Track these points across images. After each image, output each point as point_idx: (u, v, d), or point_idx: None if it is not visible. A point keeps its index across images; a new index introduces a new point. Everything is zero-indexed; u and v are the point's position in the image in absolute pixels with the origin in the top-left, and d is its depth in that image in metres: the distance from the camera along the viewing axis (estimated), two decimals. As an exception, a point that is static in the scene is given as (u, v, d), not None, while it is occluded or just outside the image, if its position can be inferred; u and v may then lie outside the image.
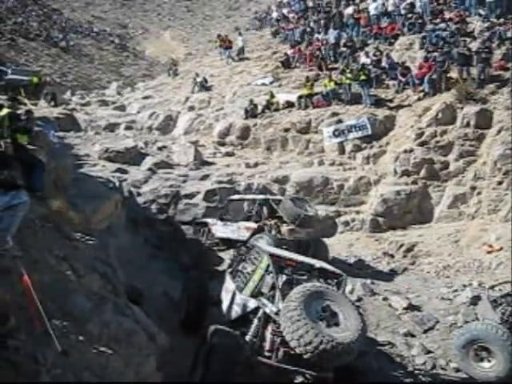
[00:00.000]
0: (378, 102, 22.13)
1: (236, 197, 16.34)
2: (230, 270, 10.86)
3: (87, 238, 9.49)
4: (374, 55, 24.34)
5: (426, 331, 12.72)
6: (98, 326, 6.11)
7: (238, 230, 15.07)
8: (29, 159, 9.08)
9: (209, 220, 16.15)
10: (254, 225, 14.87)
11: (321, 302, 7.98)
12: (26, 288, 5.27)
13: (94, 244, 9.46)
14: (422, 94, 21.46)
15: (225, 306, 9.95)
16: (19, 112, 11.25)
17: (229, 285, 10.25)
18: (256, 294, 9.09)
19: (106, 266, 8.67)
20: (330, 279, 9.49)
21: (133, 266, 13.09)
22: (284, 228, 14.63)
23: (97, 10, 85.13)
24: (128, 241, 14.28)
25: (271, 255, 9.12)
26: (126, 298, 8.27)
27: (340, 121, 21.70)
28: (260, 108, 23.86)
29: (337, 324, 7.91)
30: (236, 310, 9.40)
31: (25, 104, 19.31)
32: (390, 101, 22.18)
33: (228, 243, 15.28)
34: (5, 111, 9.51)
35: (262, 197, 15.43)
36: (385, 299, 14.19)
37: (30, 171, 9.00)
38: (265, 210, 15.17)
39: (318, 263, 9.56)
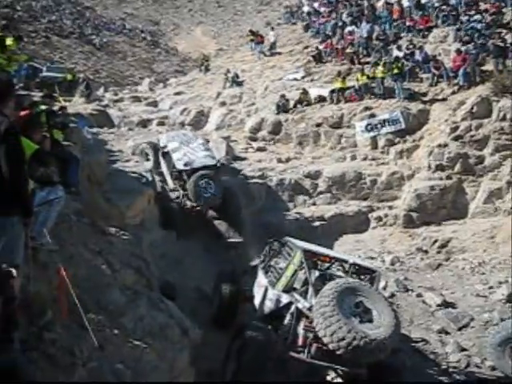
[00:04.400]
0: (412, 96, 21.78)
1: (170, 147, 16.88)
2: (263, 265, 10.87)
3: (121, 232, 9.59)
4: (407, 48, 24.03)
5: (460, 328, 12.55)
6: (132, 320, 6.17)
7: (167, 177, 16.67)
8: (64, 155, 9.21)
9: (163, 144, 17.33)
10: (173, 185, 16.49)
11: (354, 297, 7.95)
12: (62, 281, 5.34)
13: (128, 239, 9.56)
14: (456, 88, 21.07)
15: (257, 301, 9.97)
16: (55, 108, 11.45)
17: (261, 280, 10.27)
18: (289, 289, 9.09)
19: (139, 260, 8.76)
20: (364, 275, 9.44)
21: (166, 261, 13.23)
22: (188, 203, 16.02)
23: (129, 7, 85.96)
24: (161, 235, 14.41)
25: (304, 251, 9.10)
26: (160, 293, 8.35)
27: (373, 115, 21.45)
28: (292, 103, 23.75)
29: (370, 320, 7.87)
30: (268, 306, 9.41)
31: (59, 101, 19.62)
32: (424, 94, 21.83)
33: None
34: (41, 107, 9.67)
35: (180, 167, 16.21)
36: (418, 296, 14.05)
37: (65, 167, 9.13)
38: (182, 176, 16.27)
39: (351, 258, 9.51)
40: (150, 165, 16.81)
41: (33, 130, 6.21)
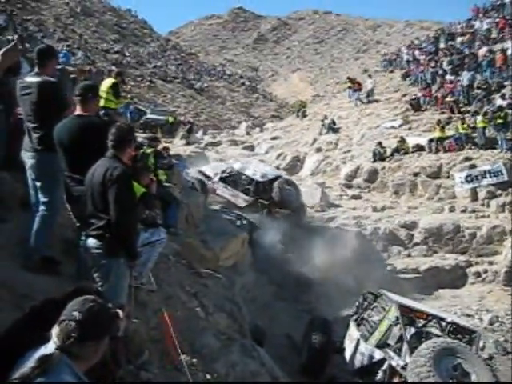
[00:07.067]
0: (516, 147, 20.94)
1: (237, 168, 18.30)
2: (355, 316, 10.63)
3: (215, 275, 9.74)
4: (511, 97, 23.22)
5: None
6: (225, 366, 6.20)
7: (237, 197, 17.29)
8: (165, 196, 9.53)
9: (211, 174, 18.23)
10: (251, 199, 17.15)
11: (452, 359, 7.57)
12: (166, 325, 5.45)
13: (221, 282, 9.69)
14: None
15: (348, 354, 9.73)
16: (159, 149, 11.97)
17: (353, 332, 10.03)
18: (382, 344, 8.81)
19: (232, 304, 8.85)
20: (462, 334, 9.00)
21: (256, 305, 13.24)
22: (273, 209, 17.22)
23: (229, 54, 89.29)
24: (252, 279, 14.48)
25: (400, 306, 8.82)
26: (251, 339, 8.35)
27: (473, 166, 20.75)
28: (389, 151, 23.48)
29: (468, 385, 7.45)
30: (360, 360, 9.15)
31: (160, 142, 20.51)
32: (529, 146, 20.90)
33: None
34: (149, 150, 10.12)
35: (259, 179, 17.42)
36: (519, 360, 13.18)
37: (166, 208, 9.45)
38: (261, 188, 17.33)
39: (449, 317, 9.12)
40: None
41: (142, 173, 6.48)
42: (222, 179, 17.83)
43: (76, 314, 2.46)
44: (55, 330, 2.47)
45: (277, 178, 17.71)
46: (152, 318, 6.13)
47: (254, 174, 17.70)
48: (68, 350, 2.43)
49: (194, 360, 6.00)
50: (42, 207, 5.25)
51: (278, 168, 25.84)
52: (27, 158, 5.32)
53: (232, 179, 17.84)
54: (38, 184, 5.29)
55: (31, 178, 5.37)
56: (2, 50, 4.70)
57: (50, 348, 2.44)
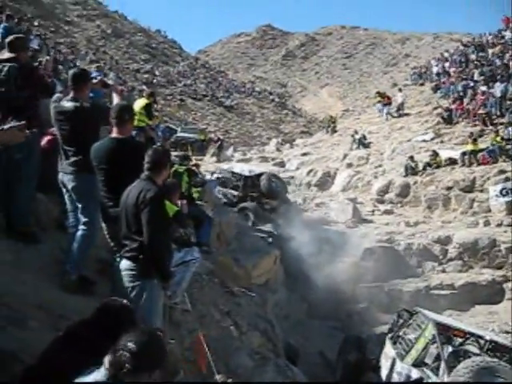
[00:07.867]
0: (552, 159, 20.52)
1: (225, 168, 20.22)
2: (391, 335, 10.45)
3: (248, 293, 9.71)
4: (546, 109, 22.83)
5: None
6: (259, 387, 6.16)
7: (226, 195, 18.48)
8: (198, 214, 9.55)
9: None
10: (240, 194, 18.35)
11: (491, 379, 7.35)
12: (199, 346, 5.44)
13: (254, 300, 9.66)
14: None
15: (383, 373, 9.56)
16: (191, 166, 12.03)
17: (389, 351, 9.85)
18: (419, 363, 8.62)
19: (265, 322, 8.81)
20: (501, 353, 8.76)
21: (289, 323, 13.17)
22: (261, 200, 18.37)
23: (258, 71, 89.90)
24: (285, 296, 14.41)
25: (437, 324, 8.64)
26: (285, 357, 8.29)
27: (508, 179, 20.32)
28: (421, 165, 23.19)
29: (509, 405, 7.23)
30: (396, 379, 8.97)
31: (191, 160, 20.73)
32: None
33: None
34: (182, 168, 10.18)
35: (246, 174, 18.74)
36: (563, 379, 12.74)
37: (198, 226, 9.46)
38: (249, 182, 18.54)
39: (488, 335, 8.89)
40: None
41: (173, 192, 6.52)
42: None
43: (131, 345, 2.48)
44: (109, 359, 2.49)
45: (263, 173, 19.04)
46: (186, 338, 6.13)
47: (242, 170, 19.15)
48: (120, 380, 2.45)
49: (230, 380, 5.97)
50: (82, 227, 5.38)
51: (309, 184, 25.85)
52: (67, 180, 5.41)
53: (221, 180, 19.07)
54: (79, 205, 5.38)
55: (72, 199, 5.47)
56: (7, 126, 4.15)
57: (102, 375, 2.47)
